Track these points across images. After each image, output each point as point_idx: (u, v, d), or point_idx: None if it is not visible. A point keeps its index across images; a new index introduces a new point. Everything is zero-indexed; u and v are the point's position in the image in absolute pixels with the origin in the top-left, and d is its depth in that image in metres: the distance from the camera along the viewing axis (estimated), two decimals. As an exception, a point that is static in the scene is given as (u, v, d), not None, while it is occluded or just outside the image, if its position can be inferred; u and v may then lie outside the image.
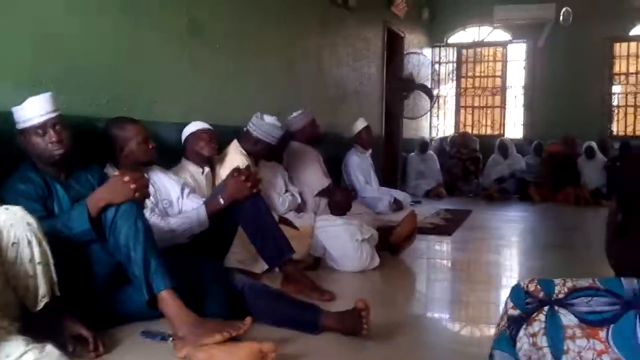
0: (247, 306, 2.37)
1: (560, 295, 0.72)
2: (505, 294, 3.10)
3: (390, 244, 3.85)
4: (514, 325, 0.73)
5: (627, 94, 9.61)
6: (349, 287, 3.18)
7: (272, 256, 2.88)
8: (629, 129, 9.50)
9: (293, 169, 4.48)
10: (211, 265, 2.50)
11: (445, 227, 5.41)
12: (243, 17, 4.44)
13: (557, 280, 0.74)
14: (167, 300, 2.12)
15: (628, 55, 9.50)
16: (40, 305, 1.94)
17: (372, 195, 5.76)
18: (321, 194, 4.48)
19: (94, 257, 2.27)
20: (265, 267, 3.09)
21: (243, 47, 4.43)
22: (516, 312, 0.74)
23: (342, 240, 3.47)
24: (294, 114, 4.69)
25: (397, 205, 5.86)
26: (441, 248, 4.70)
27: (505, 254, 4.63)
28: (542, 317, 0.71)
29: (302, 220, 3.80)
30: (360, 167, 5.86)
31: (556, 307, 0.71)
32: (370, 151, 6.04)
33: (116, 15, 3.24)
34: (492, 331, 2.50)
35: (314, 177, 4.55)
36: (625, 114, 9.57)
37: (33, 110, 2.38)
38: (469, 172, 8.93)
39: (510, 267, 4.23)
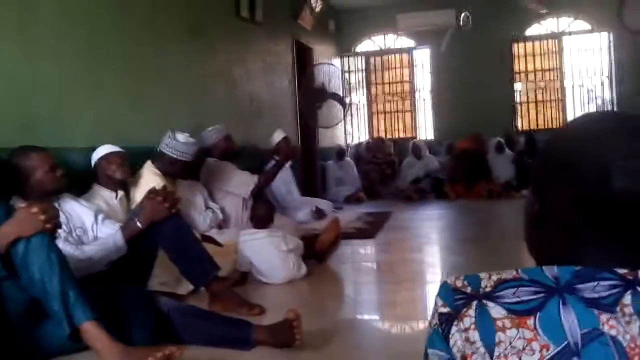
0: (175, 329, 2.30)
1: (487, 289, 0.73)
2: (430, 290, 3.17)
3: (316, 251, 3.85)
4: (445, 322, 0.74)
5: (527, 91, 10.10)
6: (279, 299, 3.15)
7: (197, 276, 2.81)
8: (532, 124, 9.98)
9: (212, 185, 4.41)
10: (133, 291, 2.40)
11: (368, 230, 5.48)
12: (145, 36, 4.35)
13: (482, 275, 0.75)
14: (91, 332, 2.03)
15: (526, 54, 9.99)
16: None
17: (294, 205, 5.76)
18: (255, 192, 4.41)
19: (7, 295, 2.13)
20: (191, 287, 3.02)
21: (148, 67, 4.35)
22: (446, 310, 0.74)
23: (268, 253, 3.44)
24: (208, 129, 4.63)
25: (319, 214, 5.88)
26: (365, 251, 4.75)
27: (427, 252, 4.74)
28: (471, 312, 0.72)
29: (225, 236, 3.75)
30: (280, 178, 5.85)
31: (484, 301, 0.72)
32: (290, 162, 6.03)
33: (14, 42, 3.11)
34: (421, 327, 2.55)
35: (240, 180, 4.50)
36: (528, 109, 10.05)
37: None
38: (386, 176, 9.11)
39: (433, 264, 4.32)
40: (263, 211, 3.59)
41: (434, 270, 4.02)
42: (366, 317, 2.98)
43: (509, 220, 5.99)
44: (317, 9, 8.42)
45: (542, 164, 0.80)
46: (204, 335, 2.29)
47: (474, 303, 0.72)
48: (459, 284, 0.75)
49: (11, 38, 3.10)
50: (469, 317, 0.72)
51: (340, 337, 2.46)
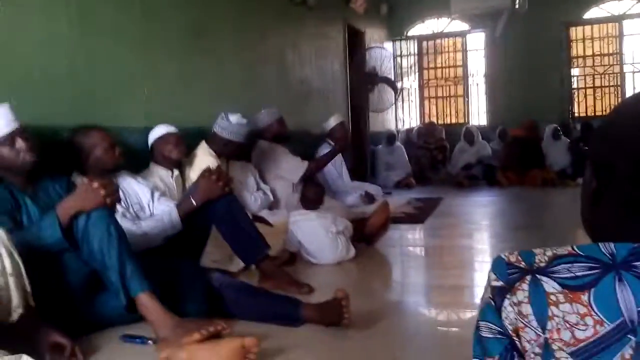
0: (226, 304, 2.36)
1: (542, 264, 0.73)
2: (479, 277, 3.14)
3: (365, 234, 3.87)
4: (498, 295, 0.74)
5: (585, 76, 9.81)
6: (327, 279, 3.19)
7: (248, 254, 2.87)
8: (590, 110, 9.70)
9: (264, 167, 4.47)
10: (187, 265, 2.48)
11: (417, 215, 5.46)
12: (200, 20, 4.41)
13: (537, 250, 0.75)
14: (146, 303, 2.10)
15: (584, 39, 9.69)
16: (14, 316, 1.90)
17: (344, 189, 5.77)
18: (304, 179, 4.46)
19: (68, 266, 2.23)
20: (242, 265, 3.08)
21: (202, 50, 4.41)
22: (499, 283, 0.75)
23: (317, 234, 3.47)
24: (261, 112, 4.68)
25: (368, 199, 5.88)
26: (414, 236, 4.74)
27: (477, 238, 4.68)
28: (525, 285, 0.72)
29: (276, 217, 3.79)
30: (331, 161, 5.87)
31: (538, 276, 0.72)
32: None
33: (71, 23, 3.19)
34: (468, 314, 2.54)
35: (291, 165, 4.55)
36: (585, 95, 9.76)
37: (-3, 124, 2.33)
38: (437, 161, 9.02)
39: (483, 250, 4.28)
40: (313, 193, 3.62)
41: (483, 258, 3.98)
42: (413, 300, 2.99)
43: (563, 209, 5.86)
44: (370, -7, 8.37)
45: (600, 140, 0.79)
46: (255, 310, 2.34)
47: (528, 277, 0.72)
48: (512, 259, 0.76)
49: (69, 18, 3.17)
50: (522, 290, 0.72)
51: (386, 319, 2.48)
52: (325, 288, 2.78)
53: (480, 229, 5.10)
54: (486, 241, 4.65)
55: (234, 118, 3.74)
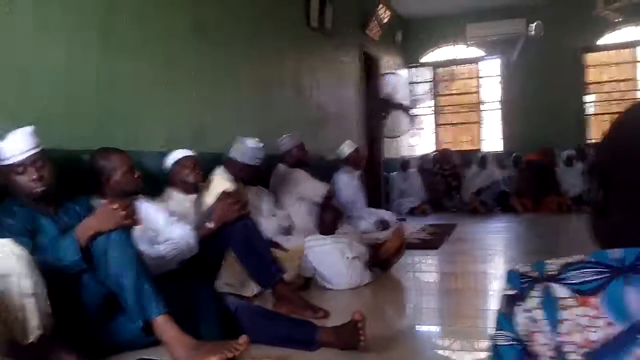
0: (241, 327, 2.36)
1: (553, 272, 0.76)
2: (494, 302, 3.10)
3: (380, 259, 3.86)
4: (510, 303, 0.77)
5: (600, 102, 9.80)
6: (342, 304, 3.18)
7: (264, 277, 2.88)
8: (605, 137, 9.65)
9: (282, 191, 4.53)
10: (203, 288, 2.49)
11: (432, 241, 5.45)
12: (218, 45, 4.48)
13: (547, 261, 0.78)
14: (163, 325, 2.11)
15: (599, 64, 9.70)
16: (32, 337, 1.91)
17: (358, 214, 5.79)
18: (324, 201, 4.54)
19: (85, 287, 2.24)
20: (256, 289, 3.09)
21: (219, 75, 4.48)
22: (513, 292, 0.77)
23: (333, 259, 3.48)
24: (283, 136, 4.77)
25: (383, 225, 5.89)
26: (429, 261, 4.72)
27: (492, 264, 4.66)
28: (536, 292, 0.75)
29: (291, 242, 3.81)
30: (349, 185, 5.91)
31: (549, 283, 0.75)
32: (359, 172, 6.09)
33: (95, 47, 3.26)
34: (482, 342, 2.52)
35: (313, 185, 4.64)
36: (601, 121, 9.74)
37: (12, 149, 2.36)
38: (452, 188, 9.01)
39: (498, 276, 4.24)
40: (330, 217, 3.64)
41: (498, 283, 3.96)
42: (428, 327, 2.97)
43: (579, 234, 5.81)
44: (385, 20, 8.46)
45: (603, 149, 0.82)
46: (270, 334, 2.34)
47: (540, 285, 0.75)
48: (525, 269, 0.79)
49: (92, 40, 3.24)
50: (534, 297, 0.74)
51: (401, 345, 2.47)
52: (341, 313, 2.78)
53: (495, 255, 5.08)
54: (501, 267, 4.62)
55: (250, 142, 3.78)
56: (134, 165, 2.92)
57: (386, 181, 8.84)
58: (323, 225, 3.61)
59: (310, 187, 4.59)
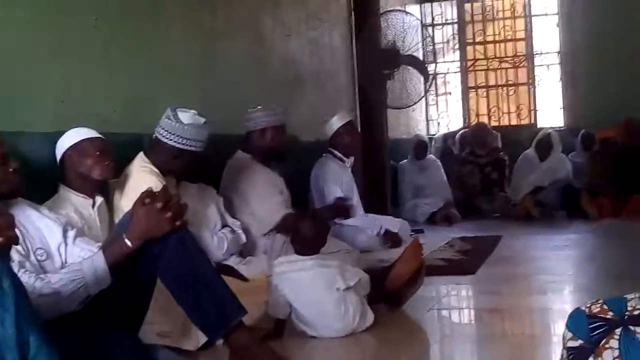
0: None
1: (636, 312, 0.75)
2: (558, 350, 3.11)
3: (387, 291, 3.86)
4: (577, 359, 0.76)
5: None
6: (331, 361, 3.18)
7: (212, 322, 2.85)
8: None
9: (237, 192, 4.54)
10: (120, 339, 2.47)
11: (465, 262, 5.47)
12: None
13: (629, 296, 0.78)
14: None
15: None
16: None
17: (355, 223, 5.79)
18: (277, 229, 4.51)
19: None
20: (202, 339, 3.07)
21: (135, 21, 4.51)
22: (577, 343, 0.77)
23: (316, 291, 3.46)
24: (252, 109, 4.85)
25: (390, 239, 5.89)
26: (461, 293, 4.75)
27: (555, 296, 4.68)
28: (614, 342, 0.74)
29: (252, 267, 3.83)
30: (339, 180, 5.91)
31: (632, 327, 0.74)
32: (352, 159, 6.10)
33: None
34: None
35: (265, 204, 4.63)
36: None
37: None
38: (491, 182, 9.04)
39: (564, 313, 4.26)
40: (311, 230, 3.61)
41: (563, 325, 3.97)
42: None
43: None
44: None
45: None
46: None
47: (618, 331, 0.75)
48: (596, 309, 0.79)
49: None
50: (611, 349, 0.74)
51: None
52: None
53: (561, 283, 5.09)
54: (569, 300, 4.65)
55: (187, 117, 3.76)
56: (7, 154, 2.88)
57: (393, 174, 8.88)
58: (299, 241, 3.58)
59: (260, 209, 4.66)
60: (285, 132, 4.94)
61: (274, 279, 3.52)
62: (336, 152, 5.99)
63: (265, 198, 4.67)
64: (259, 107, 4.85)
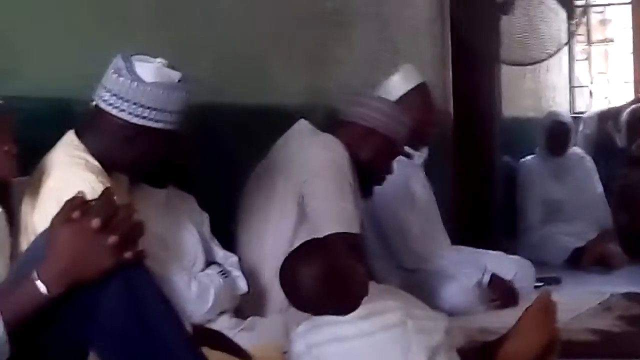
0: None
1: None
2: None
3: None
4: None
5: None
6: None
7: None
8: None
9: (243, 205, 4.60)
10: None
11: (632, 337, 5.43)
12: None
13: None
14: None
15: None
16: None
17: (434, 263, 5.81)
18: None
19: None
20: None
21: None
22: None
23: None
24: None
25: (498, 291, 5.89)
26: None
27: None
28: None
29: (258, 335, 3.84)
30: (406, 188, 5.92)
31: None
32: (426, 151, 6.11)
33: None
34: None
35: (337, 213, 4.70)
36: None
37: None
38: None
39: None
40: (335, 274, 3.63)
41: None
42: None
43: None
44: None
45: None
46: None
47: None
48: None
49: None
50: None
51: None
52: None
53: None
54: None
55: (150, 70, 3.77)
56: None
57: (509, 179, 8.96)
58: (322, 291, 3.60)
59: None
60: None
61: (294, 353, 3.54)
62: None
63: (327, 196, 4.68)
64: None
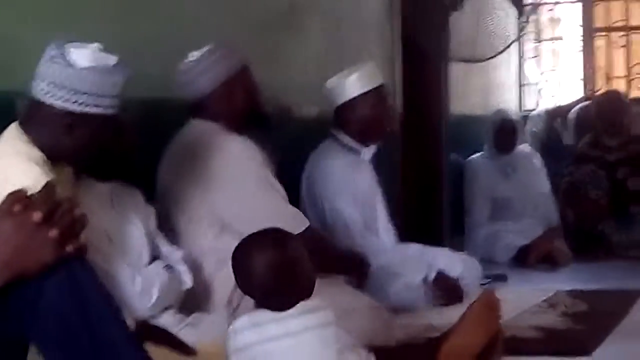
0: None
1: None
2: None
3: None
4: None
5: None
6: None
7: None
8: None
9: (185, 195, 4.59)
10: None
11: (575, 334, 5.47)
12: None
13: None
14: None
15: None
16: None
17: (382, 262, 5.82)
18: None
19: None
20: None
21: None
22: None
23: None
24: (195, 54, 4.91)
25: (443, 289, 5.91)
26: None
27: None
28: None
29: (202, 331, 3.84)
30: (352, 183, 5.94)
31: None
32: (372, 149, 6.11)
33: None
34: None
35: (251, 200, 4.71)
36: None
37: None
38: (629, 195, 9.02)
39: None
40: (288, 270, 3.63)
41: None
42: None
43: None
44: None
45: None
46: None
47: None
48: None
49: None
50: None
51: None
52: None
53: None
54: None
55: (84, 55, 3.75)
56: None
57: (456, 177, 9.00)
58: (271, 287, 3.59)
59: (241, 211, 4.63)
60: (251, 76, 5.04)
61: (232, 351, 3.53)
62: (344, 136, 5.96)
63: (251, 189, 4.67)
64: (201, 50, 4.88)
